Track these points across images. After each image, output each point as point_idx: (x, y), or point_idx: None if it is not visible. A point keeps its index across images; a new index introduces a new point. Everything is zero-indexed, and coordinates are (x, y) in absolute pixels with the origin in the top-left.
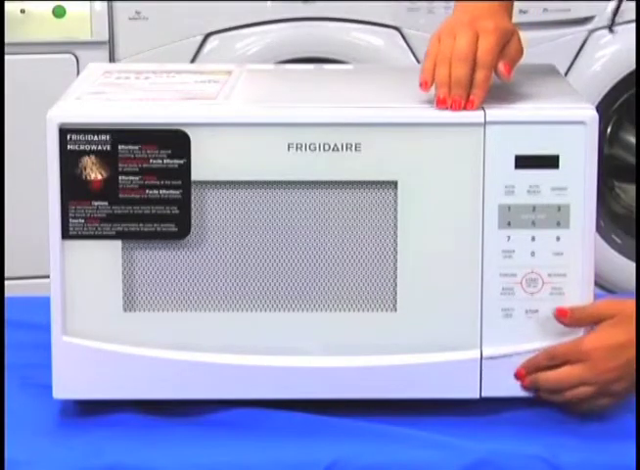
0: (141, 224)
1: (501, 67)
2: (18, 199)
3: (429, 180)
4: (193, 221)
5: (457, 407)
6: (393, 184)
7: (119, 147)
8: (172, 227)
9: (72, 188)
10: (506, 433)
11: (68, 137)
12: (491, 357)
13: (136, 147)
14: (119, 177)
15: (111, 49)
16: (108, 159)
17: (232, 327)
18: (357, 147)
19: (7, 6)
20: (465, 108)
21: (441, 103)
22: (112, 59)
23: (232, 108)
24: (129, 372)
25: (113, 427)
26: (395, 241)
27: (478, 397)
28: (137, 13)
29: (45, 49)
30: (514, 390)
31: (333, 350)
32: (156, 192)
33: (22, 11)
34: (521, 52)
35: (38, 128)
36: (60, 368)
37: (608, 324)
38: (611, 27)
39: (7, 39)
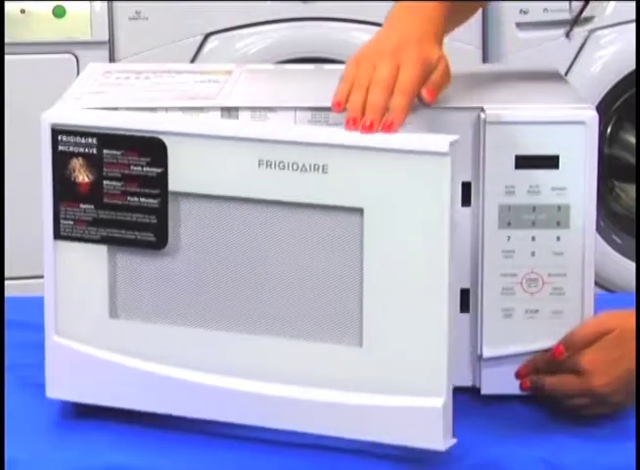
0: (123, 231)
1: (424, 91)
2: (18, 199)
3: (396, 209)
4: (170, 232)
5: (457, 408)
6: (359, 211)
7: (104, 151)
8: (151, 237)
9: (63, 189)
10: (506, 433)
11: (59, 138)
12: (491, 357)
13: (119, 152)
14: (104, 182)
15: (111, 49)
16: (94, 162)
17: (199, 344)
18: (324, 169)
19: (7, 6)
20: (382, 130)
21: (351, 124)
22: (112, 59)
23: (208, 119)
24: (111, 379)
25: (112, 427)
26: (361, 271)
27: (442, 448)
28: (137, 13)
29: (45, 49)
30: (514, 390)
31: (291, 379)
32: (136, 199)
33: (23, 11)
34: (447, 79)
35: (38, 129)
36: (51, 368)
37: (607, 338)
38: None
39: (7, 39)
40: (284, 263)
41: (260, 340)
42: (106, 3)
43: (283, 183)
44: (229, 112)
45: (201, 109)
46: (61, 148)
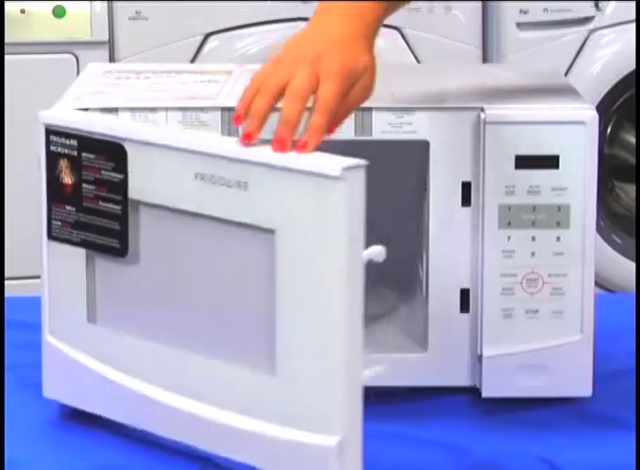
0: (95, 235)
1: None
2: (18, 198)
3: (304, 232)
4: (130, 241)
5: (457, 408)
6: (271, 232)
7: (82, 154)
8: (115, 243)
9: (53, 190)
10: (506, 433)
11: (50, 138)
12: (491, 357)
13: (93, 156)
14: (82, 185)
15: (111, 49)
16: (75, 164)
17: (145, 356)
18: (245, 186)
19: (7, 6)
20: (297, 150)
21: (246, 138)
22: (112, 59)
23: (160, 126)
24: (88, 385)
25: (112, 427)
26: (274, 296)
27: None
28: (137, 13)
29: (45, 49)
30: (514, 390)
31: (207, 398)
32: (105, 204)
33: (23, 11)
34: (369, 91)
35: (37, 129)
36: (45, 368)
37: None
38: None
39: (7, 39)
40: (207, 281)
41: (185, 355)
42: (106, 3)
43: (212, 198)
44: (229, 112)
45: (201, 109)
46: (52, 148)
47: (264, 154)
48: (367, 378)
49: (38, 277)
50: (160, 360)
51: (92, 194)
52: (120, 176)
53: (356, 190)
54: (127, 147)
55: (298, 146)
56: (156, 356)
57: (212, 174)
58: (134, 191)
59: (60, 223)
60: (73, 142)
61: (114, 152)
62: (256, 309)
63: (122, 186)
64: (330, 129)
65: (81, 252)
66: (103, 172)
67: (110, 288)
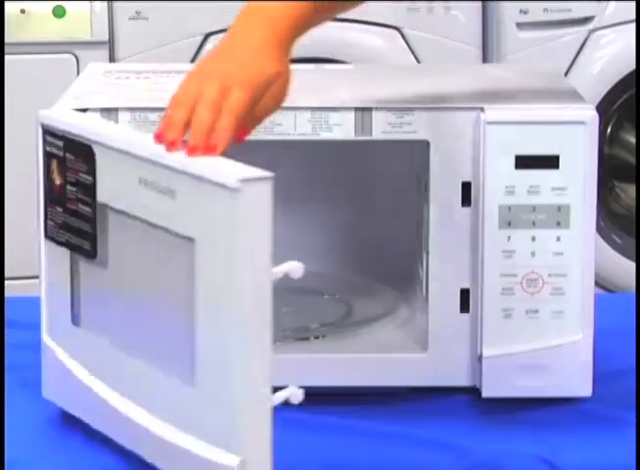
0: (74, 237)
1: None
2: (18, 198)
3: (219, 242)
4: (99, 244)
5: (457, 408)
6: (192, 241)
7: (67, 155)
8: (87, 245)
9: (47, 189)
10: (506, 433)
11: (45, 138)
12: (491, 357)
13: (73, 157)
14: (66, 186)
15: (111, 49)
16: (62, 165)
17: (113, 362)
18: (173, 193)
19: (7, 6)
20: (205, 153)
21: (171, 145)
22: (112, 59)
23: (118, 129)
24: (72, 388)
25: None
26: (193, 307)
27: None
28: (137, 13)
29: (45, 49)
30: (514, 390)
31: (143, 405)
32: (81, 206)
33: (23, 11)
34: (281, 98)
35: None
36: (44, 369)
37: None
38: None
39: (7, 39)
40: (144, 288)
41: (130, 361)
42: (106, 3)
43: (150, 203)
44: None
45: None
46: (47, 148)
47: (184, 162)
48: (277, 400)
49: (38, 277)
50: (119, 366)
51: (73, 195)
52: (90, 179)
53: (258, 203)
54: (95, 149)
55: (207, 148)
56: (116, 362)
57: (151, 180)
58: (101, 194)
59: (53, 223)
60: (60, 143)
61: (85, 154)
62: (179, 319)
63: (92, 188)
64: (241, 134)
65: (66, 253)
66: (80, 174)
67: (87, 290)
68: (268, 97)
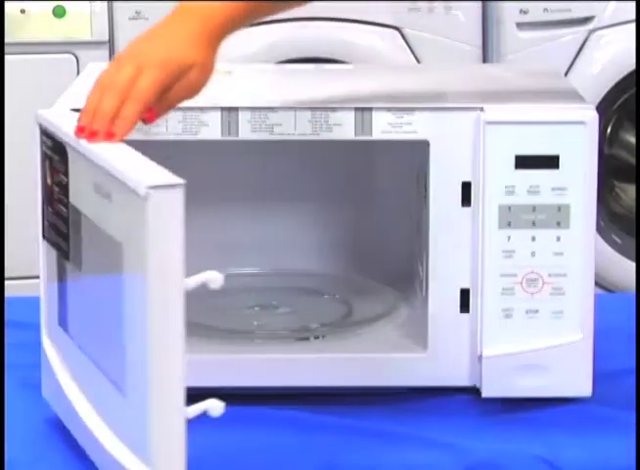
0: (57, 237)
1: (145, 114)
2: (18, 198)
3: (137, 251)
4: (71, 245)
5: (457, 408)
6: (120, 246)
7: (53, 155)
8: (64, 246)
9: (43, 190)
10: (506, 433)
11: (42, 138)
12: (491, 357)
13: (57, 158)
14: (54, 187)
15: (111, 49)
16: (53, 166)
17: (79, 366)
18: (109, 196)
19: (7, 6)
20: (104, 140)
21: (79, 131)
22: (111, 59)
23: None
24: (59, 390)
25: None
26: (122, 315)
27: None
28: (137, 13)
29: (45, 49)
30: (514, 390)
31: (97, 410)
32: (61, 207)
33: (23, 11)
34: (195, 89)
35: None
36: (44, 368)
37: None
38: None
39: (7, 39)
40: (97, 291)
41: (89, 366)
42: (106, 3)
43: (97, 206)
44: (229, 112)
45: (201, 109)
46: (43, 148)
47: (113, 165)
48: (192, 413)
49: (38, 277)
50: (85, 373)
51: (57, 196)
52: (65, 179)
53: (167, 211)
54: (68, 149)
55: (106, 135)
56: (83, 368)
57: (97, 183)
58: (72, 195)
59: (47, 223)
60: (51, 143)
61: (62, 154)
62: (115, 329)
63: (66, 189)
64: (149, 117)
65: (54, 253)
66: (60, 175)
67: (70, 293)
68: (182, 85)
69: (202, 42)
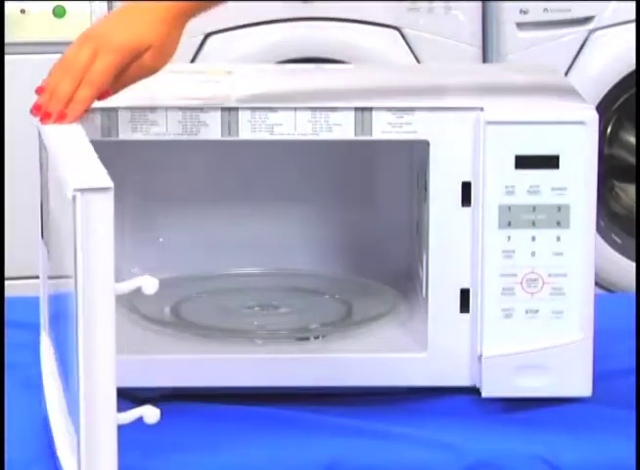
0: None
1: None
2: (18, 198)
3: (69, 255)
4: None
5: (457, 408)
6: (65, 248)
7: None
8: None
9: (42, 189)
10: (506, 433)
11: (42, 138)
12: (491, 357)
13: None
14: (48, 186)
15: None
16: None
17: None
18: (64, 199)
19: (7, 6)
20: (56, 121)
21: (35, 109)
22: None
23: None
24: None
25: None
26: (66, 316)
27: None
28: None
29: (45, 49)
30: (514, 390)
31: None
32: (46, 208)
33: (23, 11)
34: (149, 70)
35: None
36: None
37: None
38: None
39: (7, 39)
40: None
41: (60, 367)
42: (106, 3)
43: (59, 208)
44: (229, 112)
45: (201, 109)
46: (43, 148)
47: (62, 165)
48: (125, 419)
49: (38, 277)
50: (59, 373)
51: (47, 196)
52: (45, 180)
53: (95, 214)
54: (48, 150)
55: (58, 116)
56: (59, 369)
57: (60, 183)
58: (51, 197)
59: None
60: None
61: (46, 155)
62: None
63: (46, 190)
64: (102, 96)
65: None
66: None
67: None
68: (137, 66)
69: (163, 24)
